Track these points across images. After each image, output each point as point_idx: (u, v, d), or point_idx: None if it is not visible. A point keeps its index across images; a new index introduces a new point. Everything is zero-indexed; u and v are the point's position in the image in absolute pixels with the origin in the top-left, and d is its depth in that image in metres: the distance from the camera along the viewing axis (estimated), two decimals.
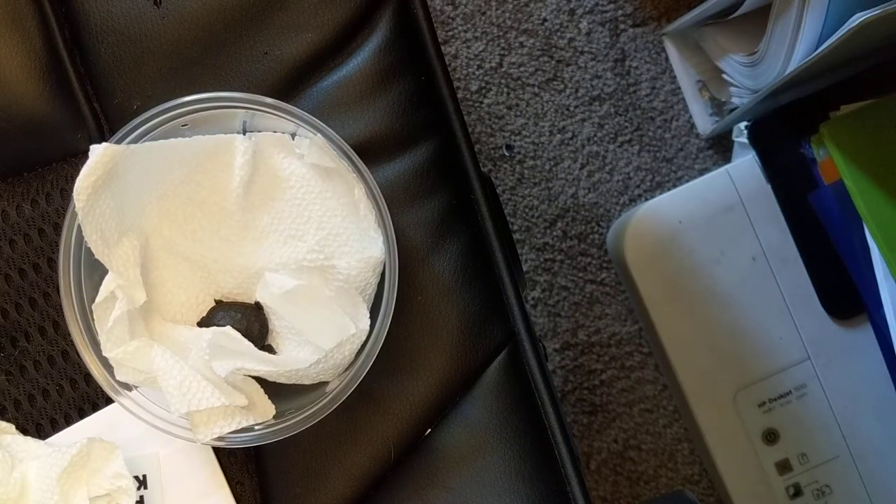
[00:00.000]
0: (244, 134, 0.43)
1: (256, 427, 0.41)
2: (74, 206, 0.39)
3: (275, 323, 0.43)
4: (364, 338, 0.41)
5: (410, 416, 0.46)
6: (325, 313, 0.41)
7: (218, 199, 0.43)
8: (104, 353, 0.40)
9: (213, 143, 0.42)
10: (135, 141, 0.41)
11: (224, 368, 0.40)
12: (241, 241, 0.43)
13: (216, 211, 0.43)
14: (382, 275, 0.42)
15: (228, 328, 0.41)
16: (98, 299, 0.40)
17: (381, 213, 0.41)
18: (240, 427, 0.40)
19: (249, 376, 0.42)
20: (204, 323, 0.43)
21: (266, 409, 0.42)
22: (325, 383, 0.43)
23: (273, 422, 0.41)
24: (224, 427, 0.40)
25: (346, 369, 0.42)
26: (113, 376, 0.40)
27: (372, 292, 0.43)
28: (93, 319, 0.40)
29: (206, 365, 0.40)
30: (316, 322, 0.41)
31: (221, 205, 0.43)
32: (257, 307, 0.43)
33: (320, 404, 0.41)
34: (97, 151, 0.38)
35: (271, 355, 0.42)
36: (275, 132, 0.43)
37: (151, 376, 0.40)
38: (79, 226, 0.39)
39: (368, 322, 0.41)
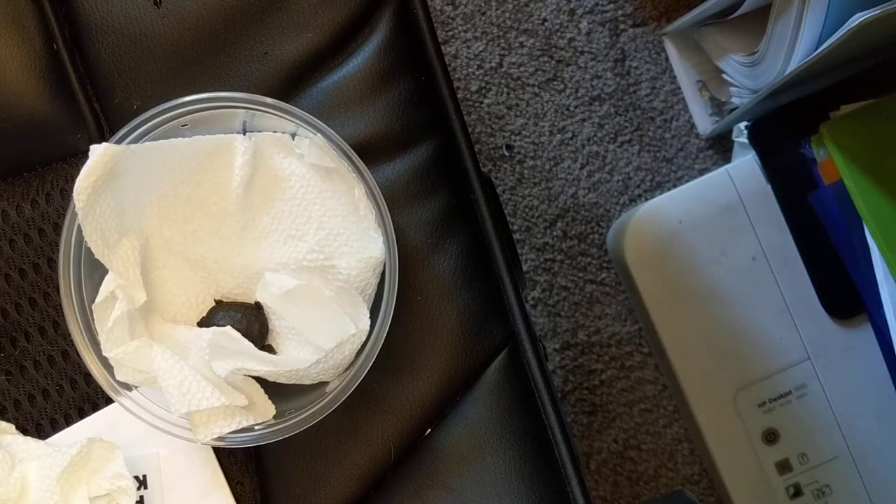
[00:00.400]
0: (244, 134, 0.43)
1: (256, 427, 0.41)
2: (74, 206, 0.39)
3: (275, 323, 0.43)
4: (364, 338, 0.41)
5: (410, 416, 0.46)
6: (325, 313, 0.41)
7: (218, 199, 0.43)
8: (104, 353, 0.40)
9: (213, 143, 0.42)
10: (135, 141, 0.41)
11: (224, 368, 0.40)
12: (241, 241, 0.43)
13: (216, 211, 0.43)
14: (382, 275, 0.42)
15: (228, 328, 0.41)
16: (98, 299, 0.40)
17: (381, 213, 0.41)
18: (240, 427, 0.40)
19: (249, 376, 0.42)
20: (204, 323, 0.43)
21: (266, 409, 0.42)
22: (325, 383, 0.43)
23: (273, 422, 0.41)
24: (224, 427, 0.40)
25: (346, 369, 0.42)
26: (113, 376, 0.40)
27: (372, 292, 0.43)
28: (93, 319, 0.40)
29: (206, 365, 0.40)
30: (316, 322, 0.41)
31: (221, 205, 0.43)
32: (257, 307, 0.43)
33: (320, 404, 0.41)
34: (97, 151, 0.38)
35: (271, 355, 0.42)
36: (275, 132, 0.43)
37: (151, 376, 0.40)
38: (79, 226, 0.39)
39: (368, 322, 0.41)
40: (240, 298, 0.44)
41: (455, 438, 0.46)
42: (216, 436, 0.40)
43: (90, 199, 0.38)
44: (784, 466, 0.88)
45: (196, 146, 0.41)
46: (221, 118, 0.42)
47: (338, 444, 0.45)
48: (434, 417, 0.46)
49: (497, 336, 0.47)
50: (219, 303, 0.43)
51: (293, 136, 0.43)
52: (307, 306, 0.41)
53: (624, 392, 0.97)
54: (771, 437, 0.88)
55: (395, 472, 0.46)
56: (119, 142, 0.40)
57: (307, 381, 0.42)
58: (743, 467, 0.88)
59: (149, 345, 0.40)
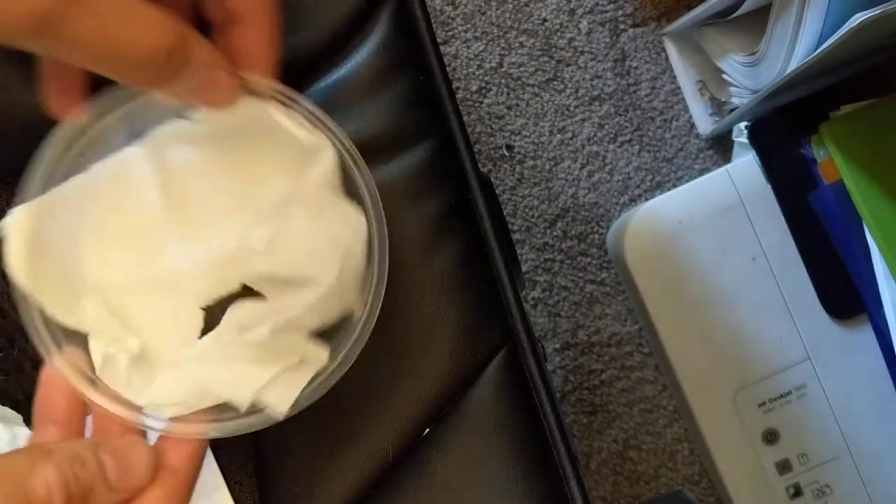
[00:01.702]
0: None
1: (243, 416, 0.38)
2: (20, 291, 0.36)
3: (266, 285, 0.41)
4: (364, 238, 0.39)
5: (409, 417, 0.46)
6: (311, 240, 0.38)
7: (148, 218, 0.40)
8: (137, 403, 0.37)
9: (111, 172, 0.39)
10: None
11: (259, 334, 0.37)
12: (191, 240, 0.40)
13: (153, 228, 0.40)
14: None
15: (237, 305, 0.39)
16: (98, 370, 0.38)
17: (361, 173, 0.39)
18: (307, 384, 0.38)
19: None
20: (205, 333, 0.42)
21: (318, 354, 0.39)
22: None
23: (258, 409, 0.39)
24: (294, 390, 0.38)
25: (344, 351, 0.39)
26: (137, 411, 0.38)
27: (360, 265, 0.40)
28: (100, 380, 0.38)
29: (237, 346, 0.38)
30: (306, 257, 0.38)
31: (155, 221, 0.40)
32: (244, 290, 0.41)
33: (320, 380, 0.39)
34: (16, 220, 0.35)
35: (290, 297, 0.39)
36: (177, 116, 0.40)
37: (193, 400, 0.38)
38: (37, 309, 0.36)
39: (364, 220, 0.39)
40: (223, 293, 0.41)
41: (454, 439, 0.46)
42: (293, 402, 0.38)
43: (30, 273, 0.35)
44: (784, 466, 0.88)
45: (97, 180, 0.38)
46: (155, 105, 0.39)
47: (336, 444, 0.45)
48: (432, 418, 0.46)
49: (496, 336, 0.47)
50: (208, 309, 0.42)
51: None
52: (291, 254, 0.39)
53: (624, 392, 0.97)
54: (771, 437, 0.88)
55: (393, 472, 0.46)
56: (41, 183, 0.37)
57: (334, 311, 0.39)
58: (743, 467, 0.89)
59: (173, 375, 0.38)
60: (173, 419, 0.39)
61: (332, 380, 0.39)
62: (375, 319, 0.39)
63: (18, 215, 0.35)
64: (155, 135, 0.39)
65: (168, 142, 0.39)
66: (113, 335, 0.38)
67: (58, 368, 0.37)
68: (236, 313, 0.38)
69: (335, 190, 0.39)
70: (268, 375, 0.37)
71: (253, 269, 0.39)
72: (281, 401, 0.38)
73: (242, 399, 0.37)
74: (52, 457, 0.31)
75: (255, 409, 0.39)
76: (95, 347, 0.38)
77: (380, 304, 0.39)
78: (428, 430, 0.46)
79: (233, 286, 0.41)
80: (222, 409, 0.39)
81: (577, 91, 0.99)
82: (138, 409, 0.38)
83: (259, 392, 0.38)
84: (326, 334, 0.40)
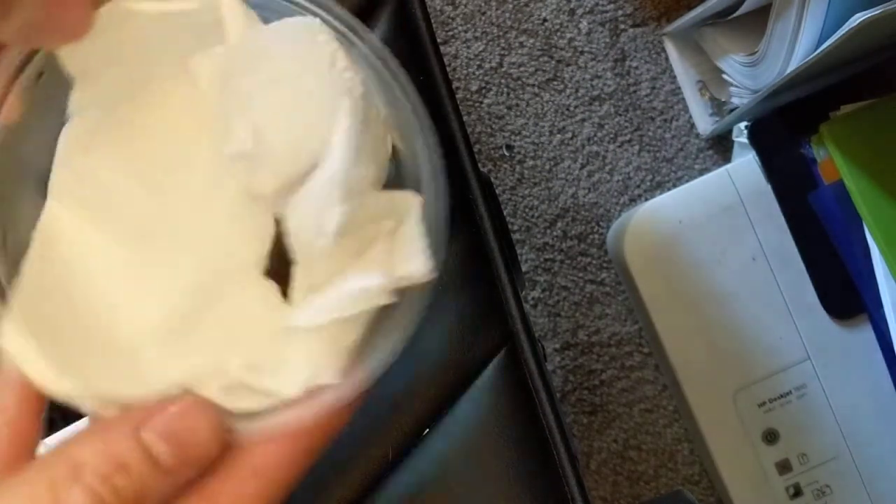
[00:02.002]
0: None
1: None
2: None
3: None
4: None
5: (408, 417, 0.46)
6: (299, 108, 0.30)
7: (140, 254, 0.31)
8: (288, 397, 0.31)
9: (57, 236, 0.31)
10: None
11: (335, 218, 0.29)
12: (190, 236, 0.32)
13: (151, 260, 0.31)
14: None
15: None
16: (228, 408, 0.31)
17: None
18: (423, 241, 0.30)
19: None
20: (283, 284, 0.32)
21: (409, 200, 0.31)
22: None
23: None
24: (418, 244, 0.30)
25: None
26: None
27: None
28: None
29: (327, 259, 0.30)
30: (302, 107, 0.30)
31: (146, 251, 0.31)
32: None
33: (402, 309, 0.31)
34: (15, 336, 0.28)
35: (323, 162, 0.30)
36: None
37: (336, 342, 0.31)
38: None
39: (322, 23, 0.30)
40: (268, 245, 0.32)
41: (453, 439, 0.46)
42: (428, 255, 0.30)
43: (73, 375, 0.29)
44: (784, 466, 0.88)
45: (49, 252, 0.31)
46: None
47: (335, 445, 0.45)
48: (432, 418, 0.46)
49: (495, 336, 0.47)
50: (272, 270, 0.32)
51: None
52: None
53: (624, 392, 0.97)
54: (771, 437, 0.88)
55: (392, 473, 0.46)
56: None
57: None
58: (743, 467, 0.89)
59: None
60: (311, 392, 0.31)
61: (443, 212, 0.31)
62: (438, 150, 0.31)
63: (14, 331, 0.29)
64: (63, 170, 0.31)
65: (82, 163, 0.31)
66: (207, 373, 0.31)
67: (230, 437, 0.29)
68: (296, 222, 0.30)
69: (258, 22, 0.30)
70: (381, 251, 0.30)
71: (269, 188, 0.31)
72: (415, 262, 0.30)
73: (382, 292, 0.30)
74: (82, 476, 0.24)
75: (403, 293, 0.31)
76: (206, 392, 0.31)
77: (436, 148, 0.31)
78: (428, 430, 0.46)
79: (270, 229, 0.32)
80: (381, 325, 0.31)
81: (577, 91, 0.99)
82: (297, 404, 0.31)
83: (388, 274, 0.30)
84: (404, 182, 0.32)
